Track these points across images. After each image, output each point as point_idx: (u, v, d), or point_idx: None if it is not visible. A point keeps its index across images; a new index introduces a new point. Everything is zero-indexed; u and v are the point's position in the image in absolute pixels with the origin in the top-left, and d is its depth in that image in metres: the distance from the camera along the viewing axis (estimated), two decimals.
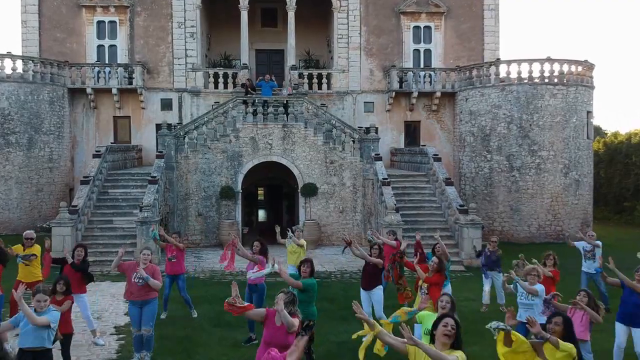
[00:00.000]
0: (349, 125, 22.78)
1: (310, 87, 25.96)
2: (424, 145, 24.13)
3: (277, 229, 13.06)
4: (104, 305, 12.57)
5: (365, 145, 21.59)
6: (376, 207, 20.33)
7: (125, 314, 11.70)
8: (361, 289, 10.30)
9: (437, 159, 21.65)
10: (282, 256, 12.79)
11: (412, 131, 26.92)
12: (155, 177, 19.39)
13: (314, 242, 20.74)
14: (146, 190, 19.01)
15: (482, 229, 18.35)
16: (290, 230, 12.49)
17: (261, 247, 9.74)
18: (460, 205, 18.77)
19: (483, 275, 12.58)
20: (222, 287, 14.45)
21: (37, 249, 10.61)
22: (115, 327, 10.94)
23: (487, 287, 12.44)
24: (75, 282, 9.20)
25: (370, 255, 10.12)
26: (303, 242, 12.24)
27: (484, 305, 12.38)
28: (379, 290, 10.15)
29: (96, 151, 21.46)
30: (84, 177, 20.21)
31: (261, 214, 30.12)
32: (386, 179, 19.79)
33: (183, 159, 21.10)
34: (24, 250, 10.51)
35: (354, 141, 21.86)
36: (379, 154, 21.35)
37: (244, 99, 22.09)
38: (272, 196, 28.36)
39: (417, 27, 27.09)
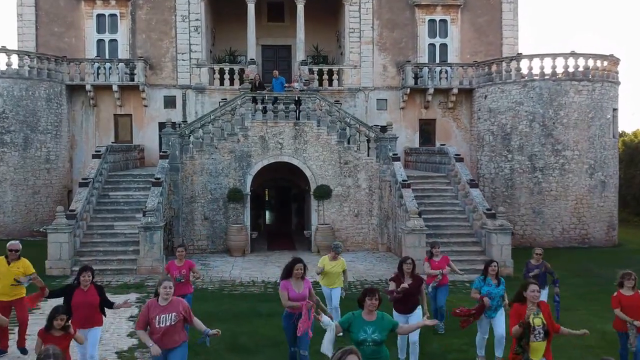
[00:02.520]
0: (364, 124, 21.51)
1: (320, 84, 24.70)
2: (443, 145, 22.89)
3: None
4: (104, 324, 11.23)
5: (382, 144, 20.32)
6: (394, 211, 19.09)
7: (128, 335, 10.46)
8: (396, 313, 8.58)
9: (459, 159, 20.38)
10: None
11: (427, 130, 25.68)
12: (159, 178, 18.22)
13: (327, 248, 19.48)
14: (149, 193, 17.85)
15: (511, 234, 17.11)
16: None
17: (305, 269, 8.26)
18: (488, 209, 17.50)
19: None
20: (235, 301, 13.24)
21: (24, 263, 9.04)
22: (117, 353, 9.61)
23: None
24: (91, 312, 7.80)
25: (404, 271, 8.85)
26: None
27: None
28: (419, 310, 8.72)
29: (96, 151, 20.24)
30: (82, 178, 18.98)
31: (267, 216, 28.86)
32: (406, 180, 18.54)
33: (188, 159, 19.86)
34: (8, 264, 8.94)
35: (369, 140, 20.61)
36: (396, 154, 20.08)
37: (253, 95, 20.84)
38: (279, 198, 27.13)
39: (432, 21, 25.87)
